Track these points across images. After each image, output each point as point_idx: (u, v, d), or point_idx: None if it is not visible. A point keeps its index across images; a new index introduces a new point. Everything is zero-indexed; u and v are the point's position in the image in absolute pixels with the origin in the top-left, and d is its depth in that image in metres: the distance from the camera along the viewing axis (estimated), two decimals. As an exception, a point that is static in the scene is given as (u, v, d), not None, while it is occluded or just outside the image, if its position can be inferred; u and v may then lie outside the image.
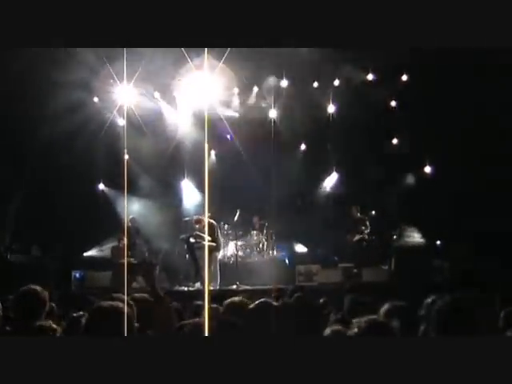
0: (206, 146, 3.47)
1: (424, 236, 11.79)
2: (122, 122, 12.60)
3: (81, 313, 4.04)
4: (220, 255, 11.71)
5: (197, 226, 10.99)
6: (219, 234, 11.27)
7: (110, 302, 2.85)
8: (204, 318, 1.53)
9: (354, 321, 2.30)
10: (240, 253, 12.38)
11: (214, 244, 10.90)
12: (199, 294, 9.35)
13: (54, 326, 3.06)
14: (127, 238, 11.69)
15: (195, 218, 11.10)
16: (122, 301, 3.17)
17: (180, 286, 11.06)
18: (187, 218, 11.58)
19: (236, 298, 3.38)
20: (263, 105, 12.88)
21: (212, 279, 10.71)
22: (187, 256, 11.20)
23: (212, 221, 11.08)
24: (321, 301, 4.38)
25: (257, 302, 3.21)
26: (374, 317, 2.54)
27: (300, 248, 12.88)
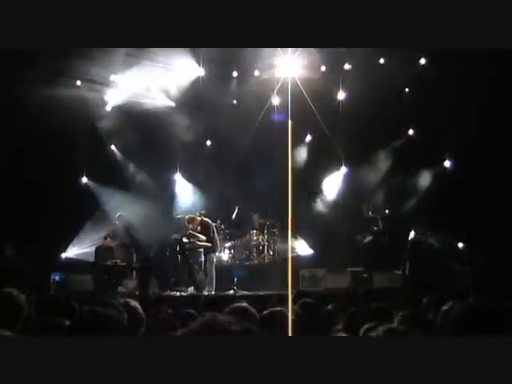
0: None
1: (443, 237, 11.79)
2: (108, 107, 12.63)
3: (63, 320, 4.04)
4: (215, 257, 11.72)
5: (190, 227, 11.00)
6: (215, 233, 11.28)
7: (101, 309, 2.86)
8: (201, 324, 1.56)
9: (365, 327, 2.32)
10: (238, 255, 12.39)
11: (209, 244, 10.92)
12: (193, 299, 9.37)
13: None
14: (113, 237, 11.74)
15: (187, 217, 11.11)
16: (113, 307, 3.18)
17: (171, 290, 11.08)
18: (180, 216, 11.59)
19: (243, 304, 3.38)
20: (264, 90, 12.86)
21: (207, 284, 10.73)
22: (179, 257, 11.21)
23: (207, 219, 11.09)
24: (328, 307, 4.39)
25: (267, 312, 3.21)
26: (393, 325, 2.56)
27: (305, 249, 12.87)
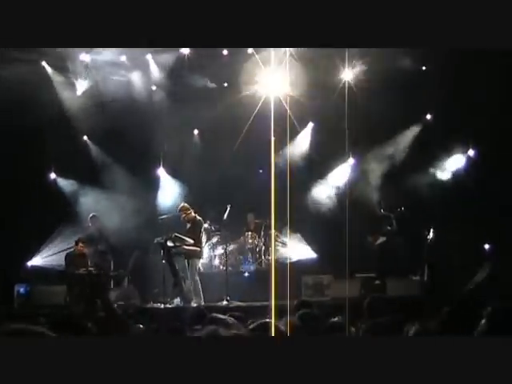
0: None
1: (466, 238, 11.77)
2: (79, 92, 12.56)
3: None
4: (203, 262, 11.70)
5: (183, 215, 11.10)
6: (203, 235, 11.26)
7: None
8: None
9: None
10: (231, 260, 12.36)
11: (197, 249, 10.91)
12: (179, 312, 9.34)
13: None
14: (86, 241, 11.69)
15: (183, 204, 11.22)
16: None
17: (154, 302, 11.05)
18: (164, 216, 11.56)
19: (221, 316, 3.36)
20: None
21: (193, 294, 10.70)
22: (164, 264, 11.16)
23: (200, 218, 11.10)
24: (335, 319, 4.36)
25: (255, 324, 3.18)
26: None
27: (307, 253, 12.87)
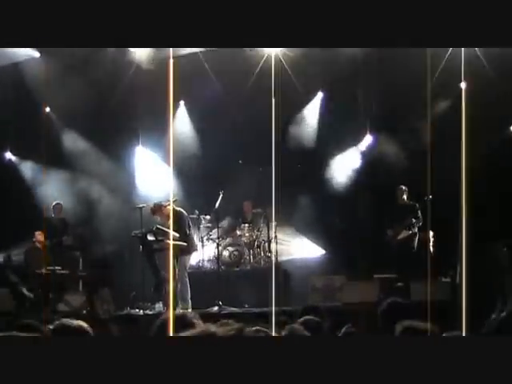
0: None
1: (507, 232, 11.77)
2: (37, 52, 12.44)
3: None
4: (193, 260, 11.69)
5: (158, 219, 10.97)
6: (191, 228, 11.23)
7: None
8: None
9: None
10: (224, 257, 12.35)
11: (184, 243, 10.87)
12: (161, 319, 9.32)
13: None
14: (48, 234, 11.66)
15: (152, 205, 11.06)
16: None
17: (132, 307, 11.07)
18: (142, 205, 11.54)
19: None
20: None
21: (179, 297, 10.70)
22: (143, 262, 11.17)
23: (179, 209, 11.05)
24: (345, 328, 4.36)
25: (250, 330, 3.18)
26: None
27: (315, 249, 12.87)
